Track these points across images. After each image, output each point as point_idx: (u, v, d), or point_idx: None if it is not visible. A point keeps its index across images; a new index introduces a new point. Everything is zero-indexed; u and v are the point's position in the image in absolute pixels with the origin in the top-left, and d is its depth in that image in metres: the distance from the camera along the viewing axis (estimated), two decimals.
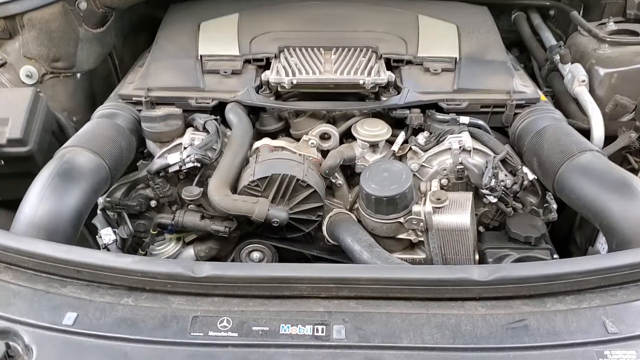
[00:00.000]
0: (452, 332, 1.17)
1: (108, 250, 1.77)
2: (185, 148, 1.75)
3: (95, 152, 1.63)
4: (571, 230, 2.13)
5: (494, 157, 1.75)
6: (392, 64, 2.03)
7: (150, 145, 1.89)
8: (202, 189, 1.71)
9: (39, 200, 1.45)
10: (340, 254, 1.81)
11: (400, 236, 1.74)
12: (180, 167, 1.74)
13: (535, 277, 1.23)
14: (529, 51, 2.54)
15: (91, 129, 1.76)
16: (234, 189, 1.71)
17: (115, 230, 1.79)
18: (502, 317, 1.20)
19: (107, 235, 1.77)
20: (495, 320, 1.19)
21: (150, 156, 1.93)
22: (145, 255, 1.85)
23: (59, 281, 1.26)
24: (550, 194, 1.82)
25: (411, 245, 1.79)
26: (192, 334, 1.16)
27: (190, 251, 1.89)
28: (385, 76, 1.87)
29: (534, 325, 1.18)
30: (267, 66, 2.01)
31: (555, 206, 1.83)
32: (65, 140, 1.95)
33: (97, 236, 1.79)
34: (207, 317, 1.19)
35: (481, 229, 1.87)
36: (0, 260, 1.29)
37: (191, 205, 1.77)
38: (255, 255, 1.85)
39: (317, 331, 1.16)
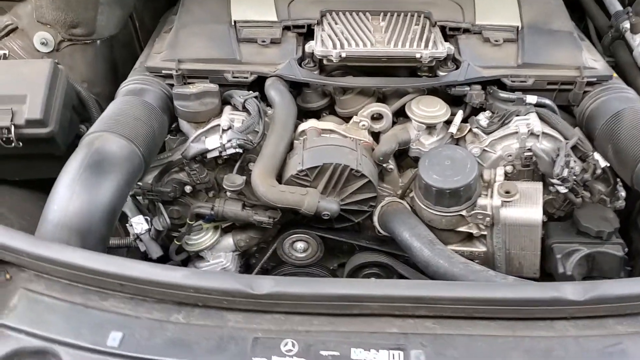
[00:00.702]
0: (544, 358, 1.05)
1: (140, 240, 1.63)
2: (224, 131, 1.57)
3: (126, 138, 1.44)
4: (630, 214, 1.98)
5: (566, 144, 1.57)
6: (447, 33, 1.82)
7: (184, 125, 1.70)
8: (245, 178, 1.55)
9: (69, 197, 1.30)
10: (391, 244, 1.67)
11: (460, 229, 1.60)
12: (220, 152, 1.56)
13: (636, 297, 1.10)
14: (587, 15, 2.31)
15: (119, 109, 1.57)
16: (279, 177, 1.55)
17: (147, 218, 1.64)
18: (596, 339, 1.08)
19: (138, 224, 1.62)
20: (589, 344, 1.07)
21: (179, 132, 1.75)
22: (180, 246, 1.71)
23: (98, 293, 1.13)
24: (620, 181, 1.66)
25: (469, 237, 1.64)
26: (253, 358, 1.03)
27: (229, 240, 1.75)
28: (444, 48, 1.67)
29: (632, 350, 1.06)
30: (308, 33, 1.81)
31: (623, 194, 1.69)
32: (87, 115, 1.79)
33: (127, 224, 1.65)
34: (269, 339, 1.06)
35: (544, 218, 1.71)
36: (30, 268, 1.15)
37: (230, 193, 1.61)
38: (300, 245, 1.71)
39: (394, 357, 1.04)
